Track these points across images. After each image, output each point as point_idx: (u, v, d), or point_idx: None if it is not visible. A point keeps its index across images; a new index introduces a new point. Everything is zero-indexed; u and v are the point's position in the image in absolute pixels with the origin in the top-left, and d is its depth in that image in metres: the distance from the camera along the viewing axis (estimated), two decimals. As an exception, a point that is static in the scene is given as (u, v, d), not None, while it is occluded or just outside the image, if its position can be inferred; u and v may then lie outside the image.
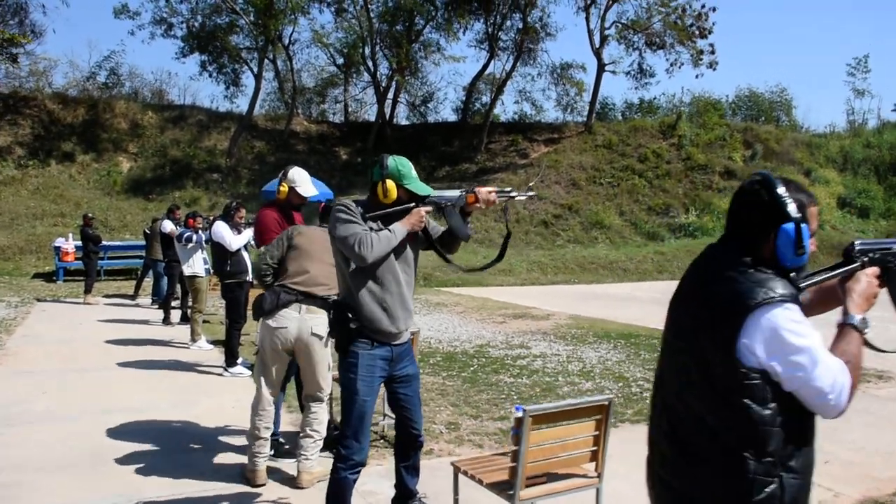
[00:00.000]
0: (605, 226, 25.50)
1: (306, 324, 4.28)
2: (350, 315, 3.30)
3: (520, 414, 3.27)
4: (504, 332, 10.62)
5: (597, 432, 3.11)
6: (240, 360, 7.39)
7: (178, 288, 11.15)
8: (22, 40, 24.90)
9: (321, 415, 4.43)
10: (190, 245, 8.92)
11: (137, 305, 13.03)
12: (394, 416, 3.67)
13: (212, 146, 26.71)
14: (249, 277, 7.33)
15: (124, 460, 4.78)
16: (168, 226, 10.76)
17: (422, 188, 3.42)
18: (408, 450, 3.64)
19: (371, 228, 3.29)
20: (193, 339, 8.85)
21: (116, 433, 5.35)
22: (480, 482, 3.19)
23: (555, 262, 21.86)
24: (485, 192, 3.41)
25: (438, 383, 7.10)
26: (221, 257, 7.28)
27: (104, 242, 14.84)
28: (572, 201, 26.54)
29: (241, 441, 5.04)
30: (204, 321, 9.38)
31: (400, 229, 3.33)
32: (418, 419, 3.57)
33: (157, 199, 22.98)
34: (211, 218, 8.61)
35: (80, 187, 23.14)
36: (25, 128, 24.75)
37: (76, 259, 15.57)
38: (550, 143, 30.13)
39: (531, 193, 3.71)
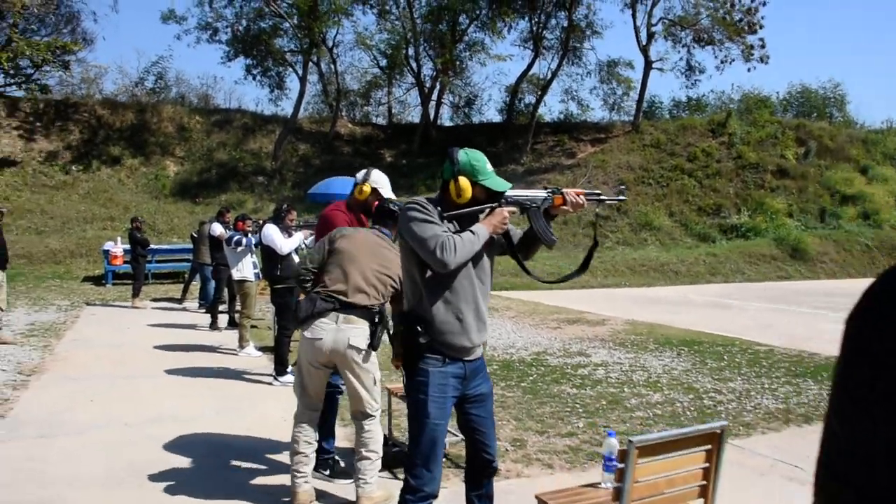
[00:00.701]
0: (654, 227, 24.87)
1: (343, 335, 3.92)
2: (420, 328, 2.96)
3: (614, 441, 2.90)
4: (560, 338, 10.21)
5: (707, 464, 2.71)
6: (289, 369, 7.12)
7: (226, 292, 10.98)
8: (74, 47, 25.20)
9: (375, 432, 4.09)
10: (239, 249, 8.65)
11: (185, 309, 12.93)
12: (460, 436, 3.32)
13: (257, 149, 26.74)
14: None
15: (167, 476, 4.52)
16: (217, 229, 10.57)
17: (499, 184, 3.06)
18: (480, 477, 3.27)
19: (448, 230, 2.95)
20: (241, 346, 8.62)
21: (162, 446, 5.10)
22: (571, 519, 2.82)
23: (604, 264, 21.36)
24: (573, 193, 3.06)
25: (498, 395, 6.73)
26: (272, 261, 7.02)
27: (152, 246, 14.80)
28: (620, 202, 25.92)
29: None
30: (252, 326, 9.17)
31: (482, 231, 2.97)
32: (492, 443, 3.20)
33: (203, 203, 23.04)
34: (261, 221, 8.38)
35: (129, 191, 23.32)
36: (76, 133, 25.08)
37: (125, 262, 15.56)
38: (597, 142, 29.59)
39: (622, 197, 3.34)
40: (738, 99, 34.86)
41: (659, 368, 8.10)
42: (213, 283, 12.32)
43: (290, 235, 7.09)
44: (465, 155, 3.03)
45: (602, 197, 3.17)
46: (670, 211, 26.02)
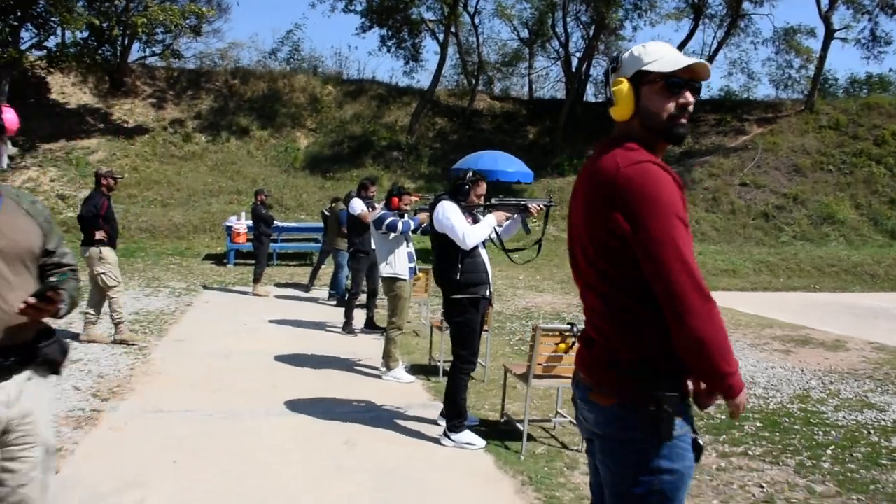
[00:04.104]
0: (837, 220, 21.45)
1: None
2: None
3: None
4: (805, 368, 7.47)
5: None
6: (469, 416, 4.80)
7: (365, 285, 8.77)
8: (208, 13, 24.12)
9: None
10: (392, 235, 6.29)
11: (314, 300, 10.96)
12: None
13: (392, 122, 24.90)
14: (490, 291, 4.69)
15: None
16: (358, 206, 8.20)
17: None
18: None
19: None
20: (388, 367, 6.33)
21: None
22: None
23: (786, 262, 18.20)
24: None
25: (803, 489, 4.19)
26: (448, 258, 4.58)
27: (277, 223, 12.95)
28: (797, 190, 22.61)
29: None
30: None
31: None
32: None
33: (334, 178, 21.35)
34: (431, 197, 6.00)
35: (258, 163, 21.97)
36: (207, 102, 24.08)
37: (247, 240, 13.87)
38: (764, 122, 26.12)
39: None
40: (933, 76, 30.16)
41: None
42: (345, 271, 10.33)
43: (474, 220, 4.71)
44: None
45: None
46: (856, 203, 22.49)
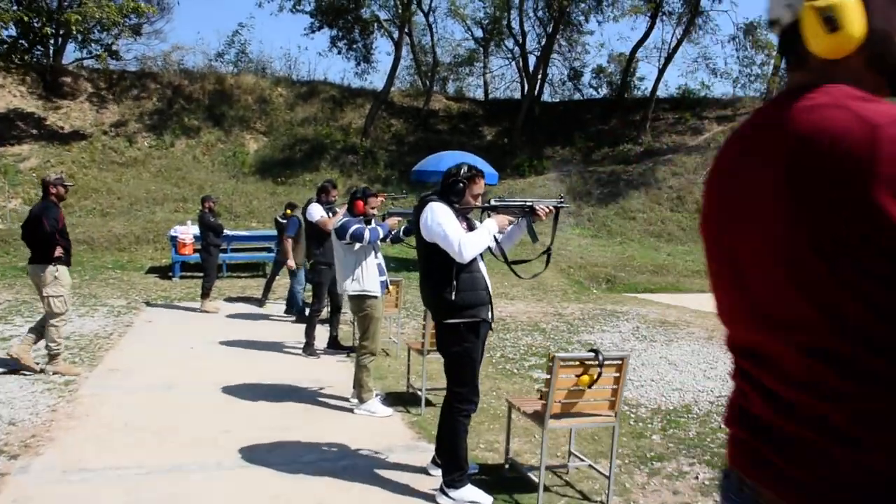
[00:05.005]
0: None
1: None
2: None
3: None
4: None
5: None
6: (472, 467, 3.97)
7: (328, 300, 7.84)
8: (146, 10, 22.89)
9: None
10: (358, 246, 5.35)
11: (269, 316, 9.99)
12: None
13: (346, 124, 23.93)
14: (491, 314, 3.82)
15: None
16: (317, 211, 7.25)
17: None
18: None
19: None
20: (360, 398, 5.40)
21: None
22: None
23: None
24: None
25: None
26: (441, 273, 3.68)
27: (227, 232, 11.90)
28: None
29: None
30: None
31: None
32: None
33: (286, 183, 20.31)
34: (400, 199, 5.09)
35: (205, 169, 20.79)
36: (150, 103, 22.80)
37: (195, 251, 12.80)
38: (724, 120, 25.90)
39: None
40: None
41: None
42: (302, 285, 9.44)
43: (469, 226, 3.78)
44: None
45: None
46: (819, 199, 22.25)
